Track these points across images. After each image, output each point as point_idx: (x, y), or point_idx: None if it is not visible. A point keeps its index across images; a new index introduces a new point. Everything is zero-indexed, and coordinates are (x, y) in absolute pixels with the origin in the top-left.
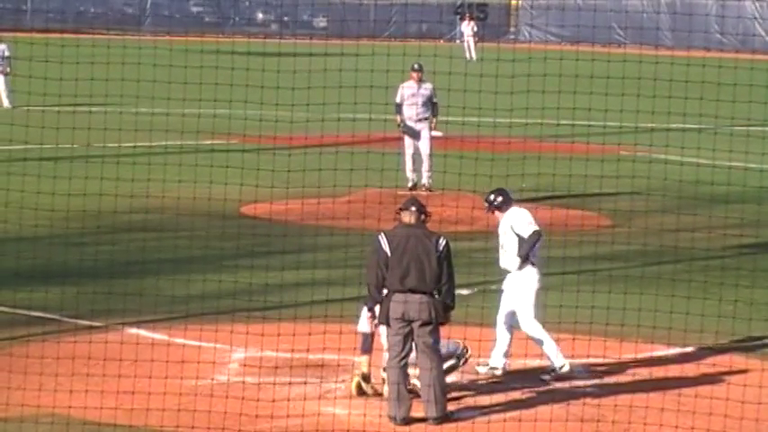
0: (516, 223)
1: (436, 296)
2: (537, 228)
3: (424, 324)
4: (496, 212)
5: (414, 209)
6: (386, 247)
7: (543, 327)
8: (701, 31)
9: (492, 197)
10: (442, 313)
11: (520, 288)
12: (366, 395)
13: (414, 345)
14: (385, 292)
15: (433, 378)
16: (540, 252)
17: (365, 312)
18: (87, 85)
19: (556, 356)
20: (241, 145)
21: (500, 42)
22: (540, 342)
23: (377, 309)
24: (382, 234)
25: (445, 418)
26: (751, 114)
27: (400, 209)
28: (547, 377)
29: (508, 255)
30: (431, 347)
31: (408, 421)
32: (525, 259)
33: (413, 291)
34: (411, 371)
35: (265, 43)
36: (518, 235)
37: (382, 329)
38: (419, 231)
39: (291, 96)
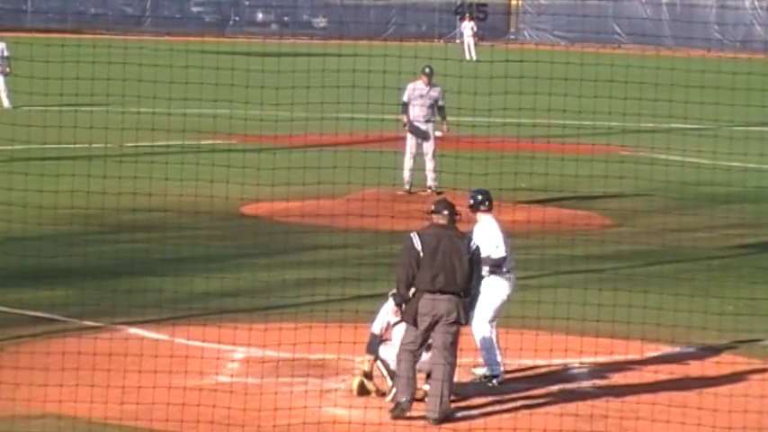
0: (488, 240)
1: (463, 297)
2: (503, 254)
3: (451, 324)
4: (477, 214)
5: (446, 212)
6: (418, 246)
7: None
8: (701, 32)
9: (480, 198)
10: (467, 315)
11: (491, 291)
12: (368, 393)
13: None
14: (412, 290)
15: (445, 374)
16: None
17: (381, 313)
18: (88, 84)
19: (492, 366)
20: (242, 144)
21: (500, 43)
22: (483, 347)
23: (404, 306)
24: (415, 233)
25: (445, 418)
26: (749, 116)
27: (432, 211)
28: (480, 371)
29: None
30: (449, 347)
31: (409, 410)
32: (495, 271)
33: (442, 291)
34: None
35: (265, 43)
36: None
37: (399, 325)
38: (451, 232)
39: (291, 95)
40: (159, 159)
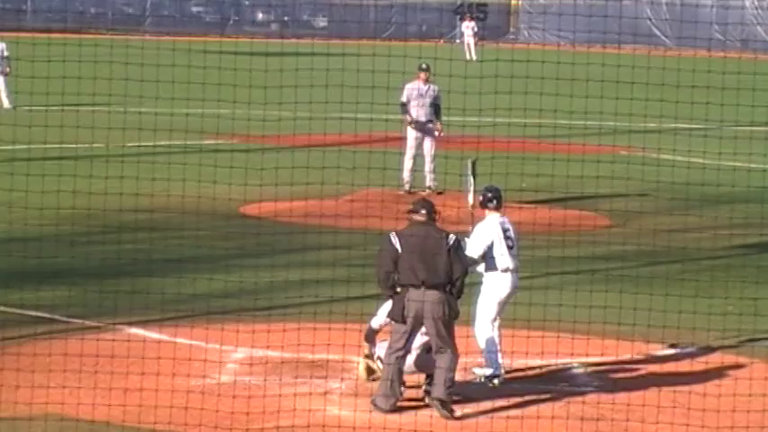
0: (474, 237)
1: (449, 292)
2: (474, 256)
3: (438, 320)
4: (485, 211)
5: (424, 211)
6: (397, 245)
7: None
8: (703, 32)
9: (489, 195)
10: (455, 308)
11: (485, 290)
12: (374, 373)
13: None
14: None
15: (449, 362)
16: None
17: (381, 311)
18: (87, 84)
19: (493, 365)
20: (242, 144)
21: (494, 42)
22: (484, 346)
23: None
24: (393, 233)
25: (450, 412)
26: (745, 116)
27: (411, 210)
28: (479, 371)
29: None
30: (446, 340)
31: (395, 407)
32: (489, 267)
33: (426, 286)
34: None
35: (267, 43)
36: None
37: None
38: (430, 229)
39: (280, 95)
40: (146, 159)
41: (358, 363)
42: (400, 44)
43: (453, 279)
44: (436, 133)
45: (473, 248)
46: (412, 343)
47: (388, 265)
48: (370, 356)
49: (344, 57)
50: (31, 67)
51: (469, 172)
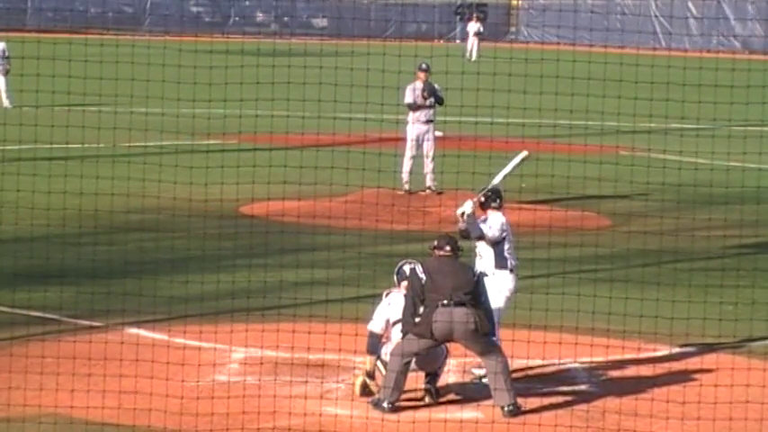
0: (489, 224)
1: (478, 307)
2: (495, 234)
3: (473, 332)
4: (488, 210)
5: (448, 247)
6: (421, 273)
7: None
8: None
9: (491, 195)
10: (486, 323)
11: (496, 288)
12: (371, 394)
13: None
14: (421, 309)
15: (500, 365)
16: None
17: (378, 312)
18: (90, 84)
19: None
20: (237, 144)
21: (500, 42)
22: None
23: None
24: (417, 264)
25: (517, 408)
26: (749, 115)
27: (435, 247)
28: (479, 371)
29: (484, 260)
30: (486, 348)
31: (396, 408)
32: (500, 265)
33: (454, 302)
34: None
35: (268, 43)
36: (492, 238)
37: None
38: (455, 263)
39: (287, 93)
40: (153, 160)
41: (355, 376)
42: (399, 44)
43: (479, 303)
44: (439, 133)
45: (487, 228)
46: (426, 351)
47: (418, 296)
48: (370, 375)
49: (343, 56)
50: (33, 65)
51: (517, 161)
